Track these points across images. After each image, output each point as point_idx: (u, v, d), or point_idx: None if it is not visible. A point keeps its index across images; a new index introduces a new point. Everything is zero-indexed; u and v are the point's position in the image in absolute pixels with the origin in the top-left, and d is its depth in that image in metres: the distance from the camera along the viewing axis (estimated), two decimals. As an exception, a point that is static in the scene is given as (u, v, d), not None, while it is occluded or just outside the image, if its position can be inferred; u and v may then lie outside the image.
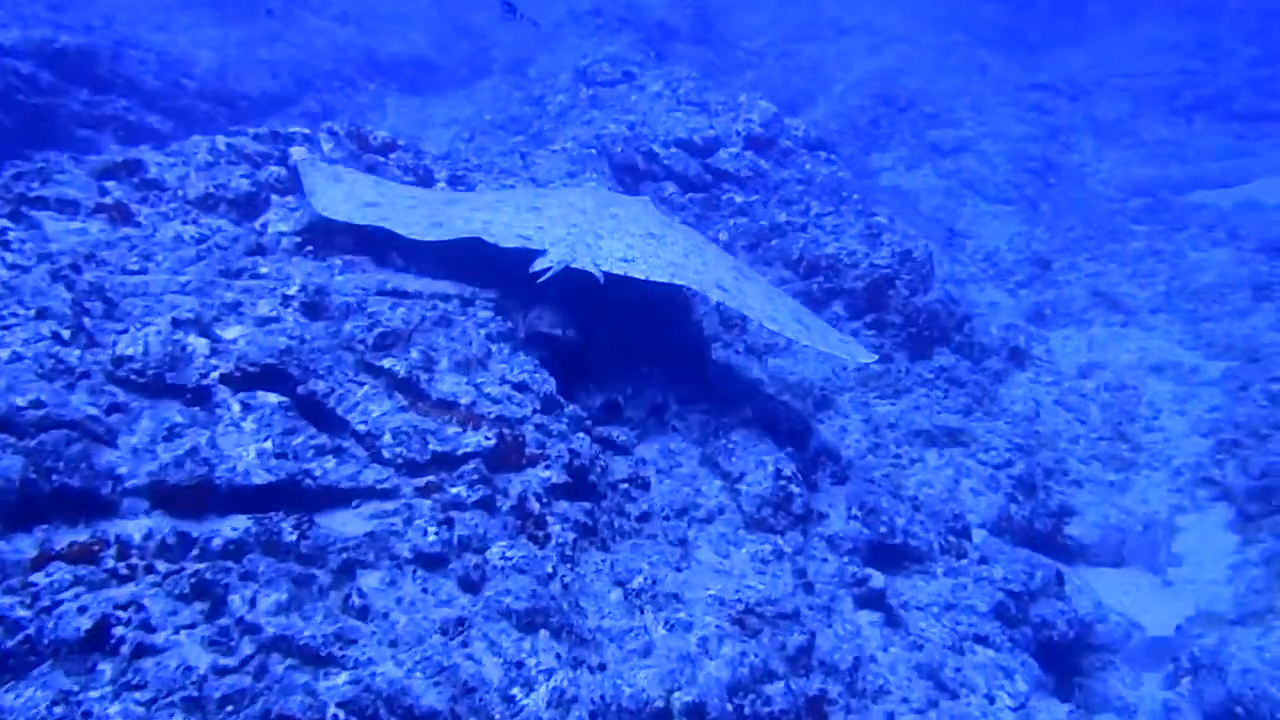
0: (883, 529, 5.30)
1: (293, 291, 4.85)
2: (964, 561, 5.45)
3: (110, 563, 3.45)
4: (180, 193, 5.84)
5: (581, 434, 5.01)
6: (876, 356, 5.95)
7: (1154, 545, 6.53)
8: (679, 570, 4.62)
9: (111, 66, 12.60)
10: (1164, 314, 9.90)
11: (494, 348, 5.18)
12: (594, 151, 8.01)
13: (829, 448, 5.84)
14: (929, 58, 20.36)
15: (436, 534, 4.01)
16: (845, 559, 5.03)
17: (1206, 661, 5.39)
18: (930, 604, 5.05)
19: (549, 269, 5.27)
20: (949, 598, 5.11)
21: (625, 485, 5.01)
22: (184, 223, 5.59)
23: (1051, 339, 9.92)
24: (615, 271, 5.41)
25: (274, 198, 5.98)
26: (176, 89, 14.33)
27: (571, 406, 5.15)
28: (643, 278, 5.44)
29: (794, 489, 5.15)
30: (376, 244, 5.69)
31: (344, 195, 6.03)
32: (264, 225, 5.72)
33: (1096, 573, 6.49)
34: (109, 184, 5.73)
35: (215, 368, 4.28)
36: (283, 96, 16.13)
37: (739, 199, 8.67)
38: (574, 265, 5.32)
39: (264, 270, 5.24)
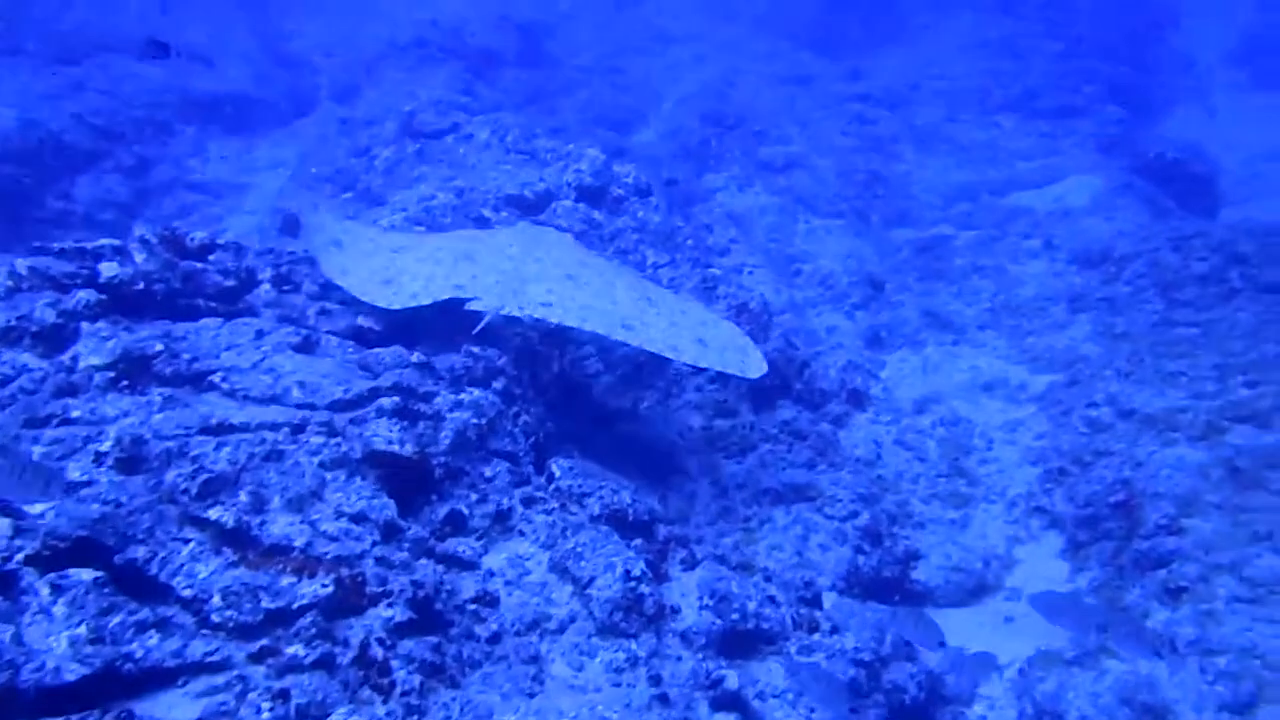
0: (734, 615, 5.36)
1: (106, 447, 4.59)
2: (816, 635, 5.56)
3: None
4: (-23, 327, 5.48)
5: (425, 559, 4.92)
6: (766, 368, 6.68)
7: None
8: (531, 696, 4.58)
9: (-102, 139, 11.77)
10: (991, 330, 10.32)
11: (329, 476, 5.02)
12: (423, 229, 7.84)
13: (678, 533, 5.89)
14: (755, 66, 20.73)
15: (270, 710, 3.86)
16: (700, 655, 5.07)
17: (1048, 708, 5.66)
18: (785, 690, 5.13)
19: (485, 316, 6.15)
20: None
21: (474, 606, 4.92)
22: (-16, 361, 5.26)
23: (889, 362, 10.25)
24: (537, 316, 6.29)
25: (84, 325, 5.63)
26: (-26, 155, 13.56)
27: (413, 529, 5.05)
28: (556, 322, 6.31)
29: (644, 589, 5.15)
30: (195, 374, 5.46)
31: (317, 231, 7.13)
32: (74, 359, 5.37)
33: (944, 615, 6.72)
34: (-106, 324, 5.35)
35: (20, 549, 4.02)
36: (95, 152, 15.28)
37: (574, 259, 8.61)
38: (503, 312, 6.20)
39: (75, 414, 4.96)
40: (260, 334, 6.05)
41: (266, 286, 6.71)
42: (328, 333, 6.43)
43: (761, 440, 7.49)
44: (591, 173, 10.06)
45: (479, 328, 6.12)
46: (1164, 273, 10.00)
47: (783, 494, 7.06)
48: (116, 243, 6.49)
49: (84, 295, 5.78)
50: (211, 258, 6.78)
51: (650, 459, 7.34)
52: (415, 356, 6.08)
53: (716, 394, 7.95)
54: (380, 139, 12.38)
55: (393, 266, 6.71)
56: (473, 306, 6.24)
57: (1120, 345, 9.41)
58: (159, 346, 5.52)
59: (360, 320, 6.62)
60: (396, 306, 6.34)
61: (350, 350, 6.17)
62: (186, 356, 5.58)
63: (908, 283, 11.31)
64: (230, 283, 6.61)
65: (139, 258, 6.36)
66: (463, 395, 5.93)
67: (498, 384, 6.31)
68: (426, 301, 6.36)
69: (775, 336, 8.36)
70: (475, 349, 6.43)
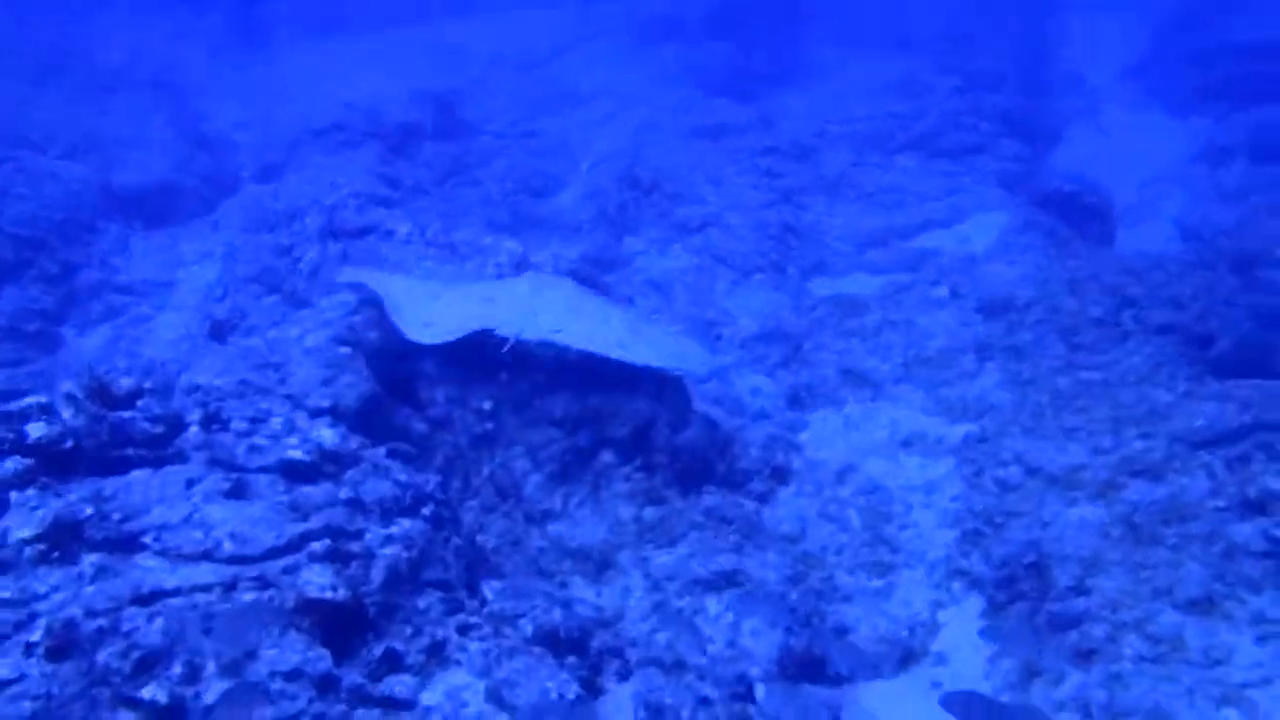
0: (670, 727, 5.62)
1: (36, 637, 4.69)
2: (750, 733, 5.84)
3: None
4: (-104, 508, 5.57)
5: (361, 709, 5.11)
6: (709, 368, 9.48)
7: None
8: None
9: None
10: (906, 384, 10.70)
11: (263, 633, 5.19)
12: (349, 350, 8.05)
13: (611, 643, 6.13)
14: (666, 119, 21.15)
15: None
16: (637, 773, 5.32)
17: (975, 780, 5.98)
18: (721, 797, 5.39)
19: (509, 340, 8.04)
20: (737, 785, 5.47)
21: (413, 749, 5.13)
22: (-98, 548, 5.34)
23: (812, 422, 10.60)
24: (549, 339, 8.23)
25: (13, 495, 5.75)
26: (-117, 274, 13.54)
27: (349, 676, 5.22)
28: (564, 344, 8.24)
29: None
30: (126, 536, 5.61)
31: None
32: (4, 532, 5.49)
33: (872, 689, 7.02)
34: None
35: (-49, 759, 4.16)
36: (18, 262, 15.21)
37: (498, 358, 8.87)
38: (523, 336, 8.13)
39: (5, 594, 5.05)
40: (190, 483, 6.20)
41: (195, 429, 6.84)
42: (258, 469, 6.61)
43: (690, 528, 7.77)
44: (510, 265, 10.34)
45: (506, 348, 8.04)
46: (1062, 318, 10.51)
47: (713, 582, 7.34)
48: (44, 400, 6.53)
49: (11, 464, 5.88)
50: (139, 403, 6.91)
51: (582, 556, 7.59)
52: (343, 493, 6.28)
53: (644, 482, 8.23)
54: (303, 236, 12.54)
55: (429, 311, 8.51)
56: (500, 333, 8.12)
57: (1027, 392, 9.87)
58: (89, 510, 5.64)
59: (289, 453, 6.80)
60: (436, 340, 8.20)
61: (280, 489, 6.35)
62: (117, 516, 5.72)
63: (824, 340, 11.69)
64: (159, 429, 6.74)
65: (66, 414, 6.45)
66: (393, 528, 6.13)
67: (426, 510, 6.52)
68: (461, 334, 8.19)
69: (696, 421, 8.66)
70: (403, 477, 6.66)
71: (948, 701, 6.34)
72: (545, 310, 8.41)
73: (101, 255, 16.64)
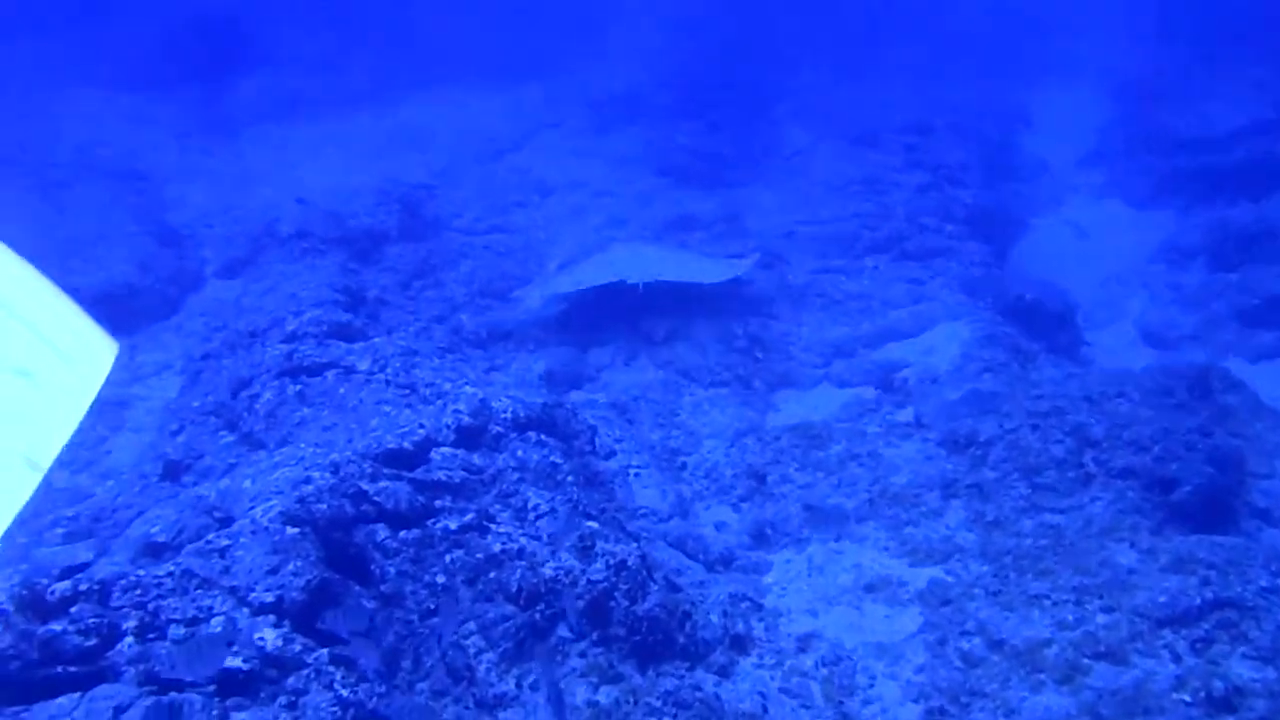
0: None
1: None
2: None
3: None
4: None
5: None
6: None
7: None
8: None
9: None
10: (870, 522, 10.56)
11: None
12: (298, 531, 7.85)
13: None
14: (633, 212, 21.16)
15: None
16: None
17: None
18: None
19: (640, 285, 14.45)
20: None
21: None
22: None
23: (775, 564, 10.45)
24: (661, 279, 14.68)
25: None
26: None
27: None
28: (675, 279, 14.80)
29: None
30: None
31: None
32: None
33: None
34: None
35: None
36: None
37: (454, 525, 8.65)
38: (647, 280, 14.54)
39: None
40: (118, 711, 6.02)
41: (130, 640, 6.65)
42: (193, 684, 6.43)
43: (647, 715, 7.57)
44: (469, 412, 10.19)
45: (642, 289, 14.53)
46: (1025, 456, 10.43)
47: (671, 778, 7.14)
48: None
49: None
50: (73, 609, 6.75)
51: (539, 750, 7.38)
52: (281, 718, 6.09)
53: (601, 658, 8.04)
54: (262, 369, 12.37)
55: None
56: (630, 281, 14.41)
57: (992, 534, 9.78)
58: (11, 758, 5.47)
59: (229, 661, 6.63)
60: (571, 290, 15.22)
61: (214, 715, 6.16)
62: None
63: (788, 473, 11.54)
64: (91, 642, 6.56)
65: (-9, 636, 6.29)
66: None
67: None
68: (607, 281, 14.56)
69: (655, 590, 8.45)
70: (345, 692, 6.47)
71: None
72: (647, 264, 14.81)
73: (62, 371, 16.37)
